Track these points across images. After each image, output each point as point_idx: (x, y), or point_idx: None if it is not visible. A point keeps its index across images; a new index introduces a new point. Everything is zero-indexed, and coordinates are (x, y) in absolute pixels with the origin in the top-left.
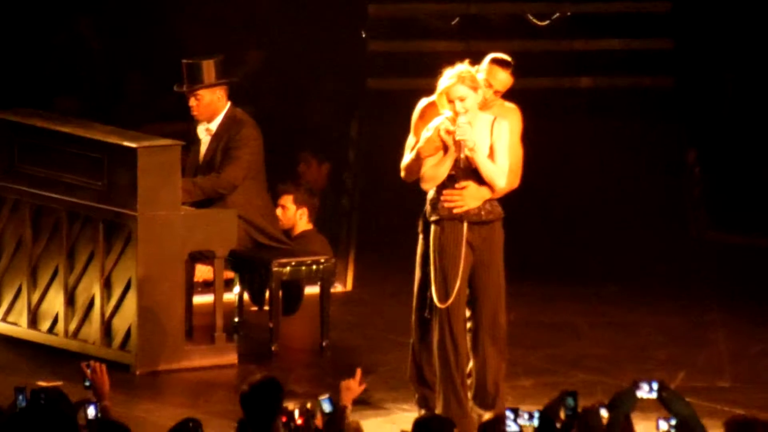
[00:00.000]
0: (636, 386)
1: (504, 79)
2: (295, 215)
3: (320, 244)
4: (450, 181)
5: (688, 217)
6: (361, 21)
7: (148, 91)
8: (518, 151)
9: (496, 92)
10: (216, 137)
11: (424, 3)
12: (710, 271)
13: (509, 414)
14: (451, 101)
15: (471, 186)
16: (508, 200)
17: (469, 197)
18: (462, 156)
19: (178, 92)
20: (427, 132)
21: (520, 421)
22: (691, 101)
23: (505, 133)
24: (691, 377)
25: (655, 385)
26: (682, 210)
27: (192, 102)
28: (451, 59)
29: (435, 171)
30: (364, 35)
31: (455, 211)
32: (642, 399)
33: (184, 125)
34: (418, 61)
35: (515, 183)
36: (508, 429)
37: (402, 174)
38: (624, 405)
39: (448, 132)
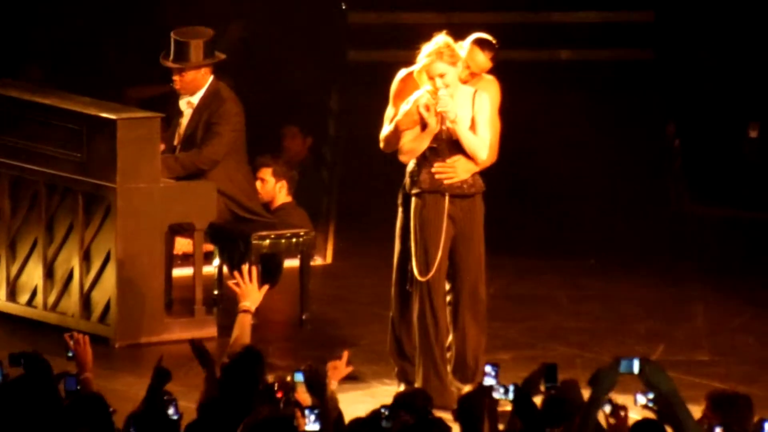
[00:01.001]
0: (617, 363)
1: (482, 62)
2: (274, 188)
3: (299, 217)
4: (431, 154)
5: (667, 190)
6: None
7: (125, 59)
8: (496, 126)
9: (471, 74)
10: (197, 111)
11: None
12: (690, 244)
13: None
14: (431, 78)
15: (461, 159)
16: (487, 173)
17: (461, 170)
18: (444, 128)
19: (163, 65)
20: (406, 105)
21: (495, 394)
22: (671, 74)
23: (486, 105)
24: (671, 351)
25: (636, 362)
26: (661, 182)
27: (176, 77)
28: (431, 31)
29: (414, 144)
30: (344, 7)
31: (446, 182)
32: (623, 375)
33: (165, 88)
34: (398, 33)
35: (493, 157)
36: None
37: (381, 145)
38: (606, 381)
39: (427, 107)
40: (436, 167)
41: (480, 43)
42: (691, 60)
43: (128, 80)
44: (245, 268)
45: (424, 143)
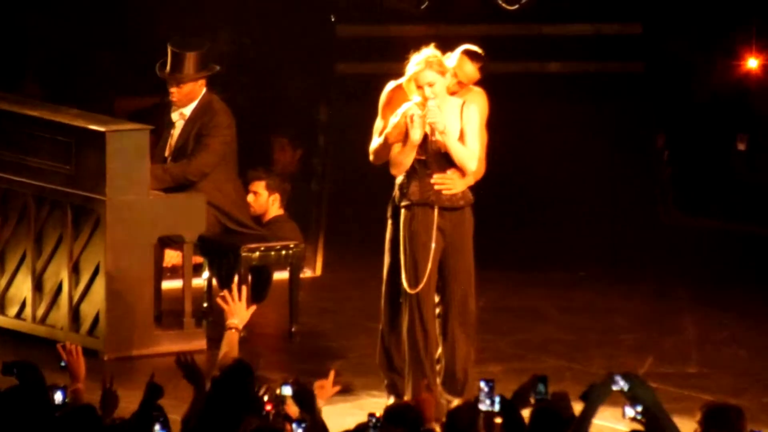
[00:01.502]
0: (611, 380)
1: (470, 72)
2: (267, 201)
3: (291, 230)
4: (420, 166)
5: (656, 202)
6: (329, 5)
7: (119, 69)
8: (483, 138)
9: (459, 83)
10: (189, 122)
11: None
12: (678, 256)
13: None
14: (420, 87)
15: (456, 172)
16: (477, 185)
17: (459, 181)
18: (432, 139)
19: (160, 77)
20: (395, 117)
21: (481, 406)
22: (661, 86)
23: (474, 116)
24: (659, 363)
25: (627, 381)
26: (650, 194)
27: (173, 89)
28: (420, 44)
29: (401, 158)
30: (332, 19)
31: (445, 193)
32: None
33: (156, 99)
34: (387, 46)
35: (482, 170)
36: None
37: (371, 158)
38: (600, 398)
39: (411, 119)
40: (436, 179)
41: (469, 54)
42: (681, 71)
43: (120, 91)
44: (235, 285)
45: (409, 157)
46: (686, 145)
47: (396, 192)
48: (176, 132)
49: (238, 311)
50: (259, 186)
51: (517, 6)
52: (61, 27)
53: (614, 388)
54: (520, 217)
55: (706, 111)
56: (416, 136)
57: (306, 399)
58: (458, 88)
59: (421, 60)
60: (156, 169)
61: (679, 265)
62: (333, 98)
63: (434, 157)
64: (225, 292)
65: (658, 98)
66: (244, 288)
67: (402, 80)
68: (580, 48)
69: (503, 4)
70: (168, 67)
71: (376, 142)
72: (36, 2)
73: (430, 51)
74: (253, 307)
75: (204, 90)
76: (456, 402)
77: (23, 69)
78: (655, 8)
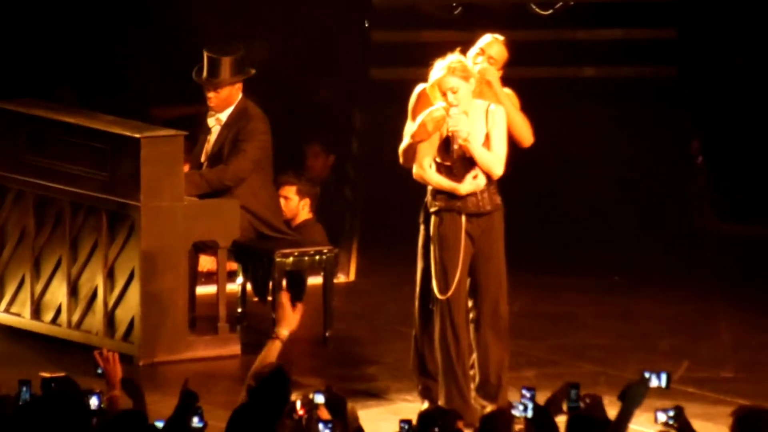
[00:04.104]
0: (646, 377)
1: (501, 51)
2: (297, 206)
3: (319, 233)
4: (446, 172)
5: (691, 207)
6: (364, 11)
7: (156, 78)
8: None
9: (487, 83)
10: (226, 128)
11: None
12: (713, 262)
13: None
14: (443, 93)
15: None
16: (510, 189)
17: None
18: (455, 147)
19: (197, 82)
20: (421, 116)
21: (515, 412)
22: (695, 91)
23: (500, 119)
24: (695, 368)
25: (664, 376)
26: (685, 200)
27: (210, 94)
28: (454, 49)
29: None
30: (367, 25)
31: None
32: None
33: (191, 108)
34: (421, 51)
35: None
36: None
37: (401, 160)
38: (637, 396)
39: (427, 123)
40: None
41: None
42: (715, 76)
43: (156, 101)
44: (285, 294)
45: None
46: (722, 149)
47: (428, 197)
48: (212, 138)
49: (289, 320)
50: (291, 191)
51: (551, 11)
52: (100, 35)
53: (651, 385)
54: (554, 221)
55: (742, 116)
56: (424, 133)
57: (338, 407)
58: (487, 90)
59: (444, 66)
60: (193, 176)
61: (714, 270)
62: (367, 104)
63: (460, 162)
64: (281, 296)
65: (693, 103)
66: (284, 295)
67: (427, 84)
68: (615, 52)
69: (537, 9)
70: (205, 72)
71: (404, 143)
72: (74, 10)
73: (454, 57)
74: (300, 308)
75: (240, 95)
76: (490, 407)
77: (60, 76)
78: (690, 12)
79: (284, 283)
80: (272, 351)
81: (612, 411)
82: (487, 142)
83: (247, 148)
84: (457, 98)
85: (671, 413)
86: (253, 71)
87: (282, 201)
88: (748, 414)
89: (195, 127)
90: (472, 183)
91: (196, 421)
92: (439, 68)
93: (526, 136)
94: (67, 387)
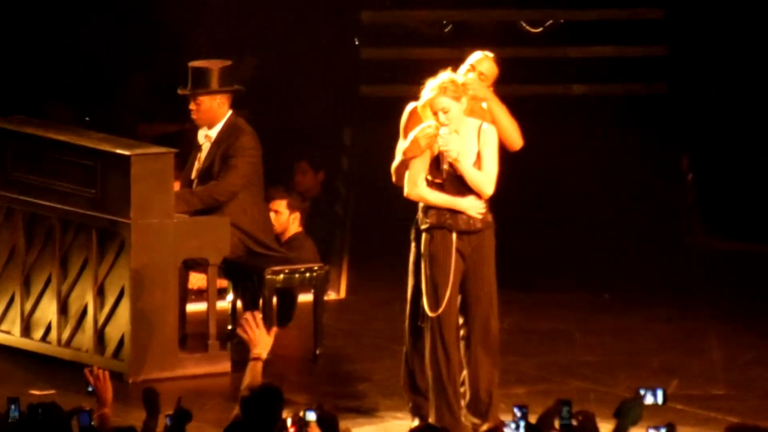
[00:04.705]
0: (640, 395)
1: (492, 67)
2: (288, 220)
3: (310, 248)
4: (437, 189)
5: (681, 224)
6: (354, 28)
7: (146, 93)
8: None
9: (475, 98)
10: (215, 144)
11: (417, 10)
12: (703, 278)
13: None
14: (434, 113)
15: (474, 195)
16: (501, 207)
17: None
18: (445, 167)
19: (181, 94)
20: (412, 134)
21: (506, 430)
22: (685, 108)
23: (492, 138)
24: (685, 385)
25: (660, 392)
26: (675, 217)
27: (192, 106)
28: (444, 67)
29: (402, 172)
30: (357, 42)
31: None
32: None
33: (178, 126)
34: (411, 69)
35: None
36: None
37: (393, 178)
38: (632, 413)
39: (419, 139)
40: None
41: (480, 54)
42: (705, 93)
43: (144, 117)
44: (249, 314)
45: (405, 168)
46: (711, 166)
47: (419, 214)
48: (203, 154)
49: (261, 339)
50: (281, 205)
51: (541, 29)
52: (89, 51)
53: (647, 402)
54: (545, 238)
55: (731, 132)
56: (417, 150)
57: (330, 424)
58: (478, 108)
59: (435, 86)
60: (184, 193)
61: (704, 286)
62: (357, 121)
63: (450, 180)
64: (246, 319)
65: (683, 120)
66: (258, 315)
67: (418, 103)
68: (605, 70)
69: (527, 27)
70: (189, 84)
71: (396, 161)
72: (63, 26)
73: (446, 76)
74: (275, 331)
75: (230, 112)
76: (486, 426)
77: (49, 91)
78: (680, 30)
79: (275, 300)
80: (256, 372)
81: (604, 428)
82: (478, 160)
83: (238, 164)
84: (448, 118)
85: (663, 431)
86: (239, 87)
87: (272, 215)
88: (742, 430)
89: (183, 145)
90: (474, 203)
91: None
92: (431, 88)
93: (515, 139)
94: (52, 411)
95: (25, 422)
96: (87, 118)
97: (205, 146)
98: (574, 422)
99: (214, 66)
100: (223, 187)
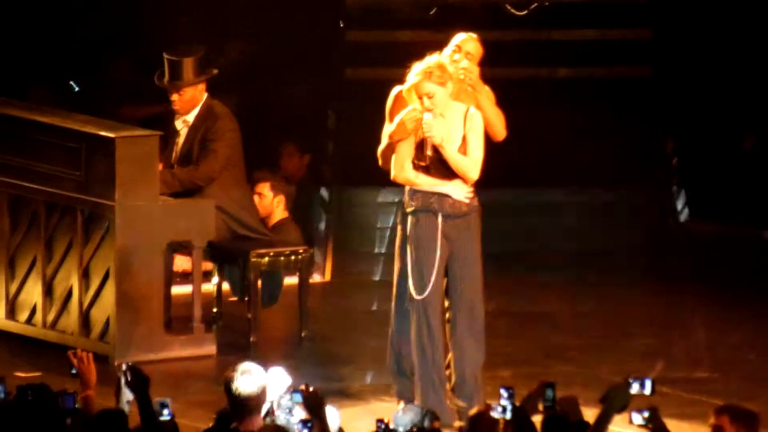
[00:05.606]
0: (628, 384)
1: (477, 47)
2: (272, 203)
3: (296, 233)
4: (422, 173)
5: (666, 206)
6: (338, 10)
7: (129, 77)
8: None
9: (471, 59)
10: (193, 129)
11: None
12: (688, 261)
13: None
14: (419, 97)
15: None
16: (485, 189)
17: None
18: (428, 153)
19: (158, 85)
20: (398, 117)
21: (493, 413)
22: (670, 91)
23: (478, 123)
24: (670, 367)
25: (648, 382)
26: (659, 199)
27: (174, 97)
28: (429, 49)
29: (389, 155)
30: (341, 25)
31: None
32: (634, 396)
33: (161, 108)
34: (396, 51)
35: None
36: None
37: (380, 162)
38: (617, 400)
39: (406, 122)
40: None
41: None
42: (690, 76)
43: (126, 99)
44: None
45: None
46: (696, 148)
47: (405, 197)
48: (181, 140)
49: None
50: (264, 187)
51: (525, 11)
52: (73, 34)
53: (634, 392)
54: (529, 220)
55: (715, 115)
56: (404, 132)
57: (315, 405)
58: (465, 90)
59: (422, 70)
60: (165, 174)
61: (689, 269)
62: (342, 104)
63: (435, 164)
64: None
65: (667, 103)
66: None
67: (404, 87)
68: (590, 53)
69: (512, 10)
70: (167, 76)
71: (383, 144)
72: (48, 9)
73: (432, 59)
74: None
75: (205, 96)
76: (473, 410)
77: (32, 74)
78: (665, 13)
79: (259, 283)
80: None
81: (589, 410)
82: (464, 145)
83: (217, 148)
84: (432, 103)
85: (646, 414)
86: (216, 71)
87: (256, 198)
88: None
89: (165, 128)
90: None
91: (166, 413)
92: (416, 72)
93: (499, 130)
94: (42, 392)
95: (14, 404)
96: (71, 83)
97: (183, 131)
98: (558, 407)
99: (190, 56)
100: (203, 172)
